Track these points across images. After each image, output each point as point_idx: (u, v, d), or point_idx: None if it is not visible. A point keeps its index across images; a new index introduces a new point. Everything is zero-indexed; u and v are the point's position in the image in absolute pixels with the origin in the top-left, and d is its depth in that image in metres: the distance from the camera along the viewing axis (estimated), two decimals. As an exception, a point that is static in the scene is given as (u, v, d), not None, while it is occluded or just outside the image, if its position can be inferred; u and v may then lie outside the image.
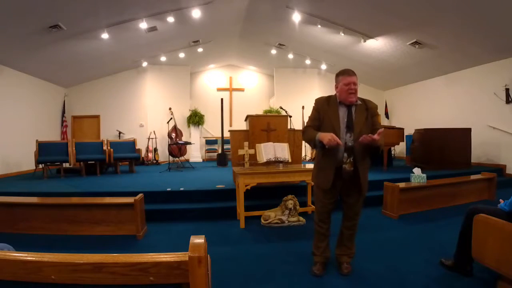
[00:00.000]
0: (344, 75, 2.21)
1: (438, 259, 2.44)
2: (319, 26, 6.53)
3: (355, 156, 2.18)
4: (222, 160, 8.34)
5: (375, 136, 1.98)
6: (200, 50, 8.58)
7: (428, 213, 4.08)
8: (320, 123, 2.27)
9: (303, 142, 6.42)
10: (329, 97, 2.34)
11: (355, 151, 2.18)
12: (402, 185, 4.04)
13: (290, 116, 4.83)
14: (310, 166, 3.71)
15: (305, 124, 2.42)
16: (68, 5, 5.07)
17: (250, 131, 4.50)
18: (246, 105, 10.59)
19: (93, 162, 6.64)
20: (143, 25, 6.19)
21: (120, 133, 9.26)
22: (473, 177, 4.89)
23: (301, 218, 3.71)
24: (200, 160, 10.07)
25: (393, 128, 7.01)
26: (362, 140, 2.04)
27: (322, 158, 2.30)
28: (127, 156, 7.12)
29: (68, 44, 6.42)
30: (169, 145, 8.30)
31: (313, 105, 2.37)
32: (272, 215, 3.67)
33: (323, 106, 2.29)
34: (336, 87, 2.27)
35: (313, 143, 2.20)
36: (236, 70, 11.12)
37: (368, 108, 2.25)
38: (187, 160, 9.00)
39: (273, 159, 3.72)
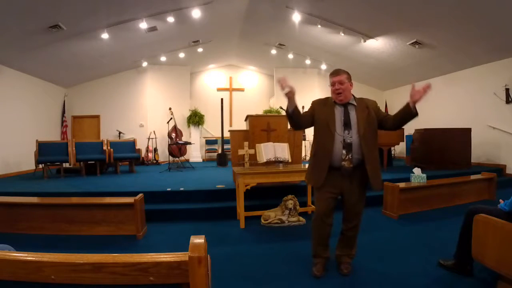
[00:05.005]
0: (331, 75, 2.27)
1: (438, 259, 2.44)
2: (319, 26, 6.53)
3: (362, 152, 2.17)
4: (222, 160, 8.34)
5: (426, 88, 2.00)
6: (200, 50, 8.57)
7: (428, 213, 4.08)
8: (312, 118, 2.31)
9: (303, 142, 6.41)
10: (326, 98, 2.38)
11: (353, 148, 2.17)
12: (402, 185, 4.03)
13: (290, 116, 4.82)
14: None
15: None
16: (68, 5, 5.08)
17: (250, 131, 4.50)
18: (246, 105, 10.58)
19: (93, 162, 6.65)
20: (143, 25, 6.19)
21: (120, 133, 9.26)
22: (473, 177, 4.89)
23: (301, 218, 3.71)
24: (200, 160, 10.07)
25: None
26: (414, 96, 2.04)
27: (315, 156, 2.32)
28: (127, 156, 7.12)
29: (68, 44, 6.42)
30: (169, 145, 8.30)
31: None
32: (272, 215, 3.67)
33: (319, 106, 2.33)
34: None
35: (287, 112, 2.21)
36: (236, 70, 11.11)
37: (369, 105, 2.27)
38: (187, 160, 8.99)
39: (273, 159, 3.72)
